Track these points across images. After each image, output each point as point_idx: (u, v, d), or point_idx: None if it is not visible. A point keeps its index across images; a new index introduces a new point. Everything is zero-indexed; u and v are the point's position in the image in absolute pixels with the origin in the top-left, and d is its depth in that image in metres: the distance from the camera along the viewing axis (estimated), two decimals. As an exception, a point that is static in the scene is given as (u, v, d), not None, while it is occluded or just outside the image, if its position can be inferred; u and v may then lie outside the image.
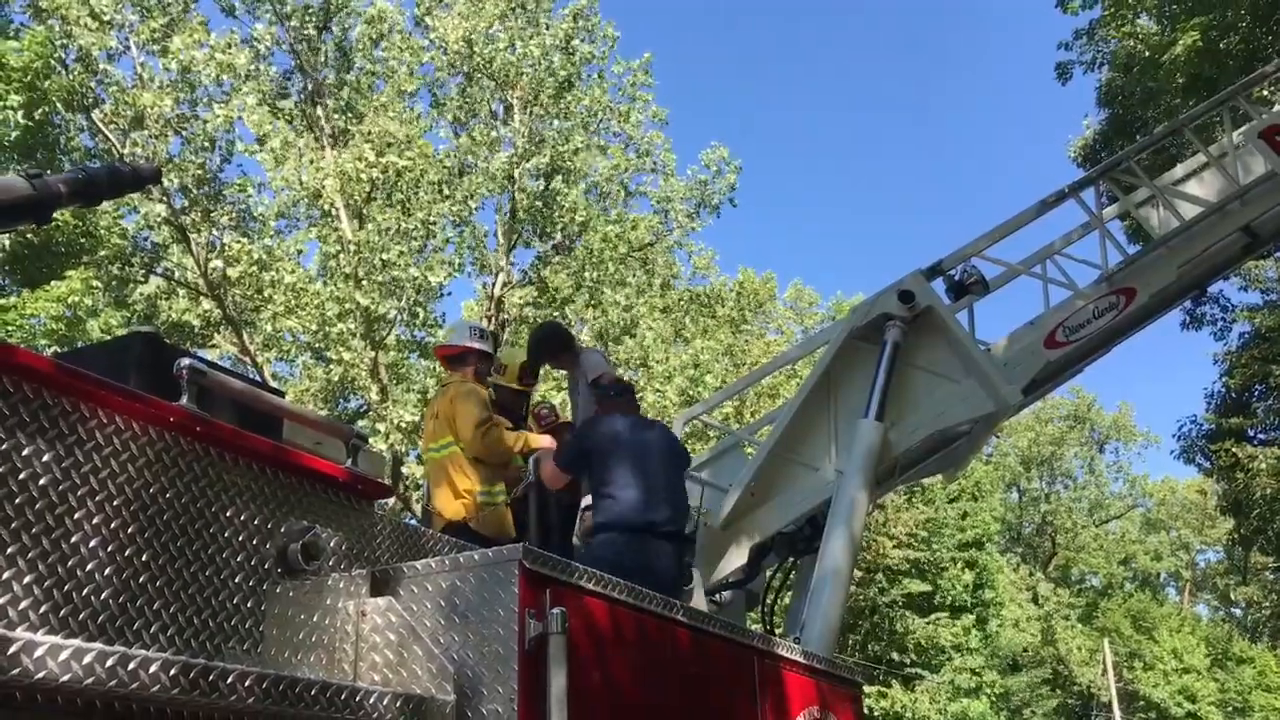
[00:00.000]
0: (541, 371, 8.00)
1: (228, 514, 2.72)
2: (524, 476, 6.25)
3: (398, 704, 2.74)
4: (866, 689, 29.08)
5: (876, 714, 30.59)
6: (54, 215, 3.04)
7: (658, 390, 21.87)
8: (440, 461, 6.28)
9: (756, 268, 36.57)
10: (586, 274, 21.47)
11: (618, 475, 5.41)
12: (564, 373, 8.13)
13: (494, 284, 21.71)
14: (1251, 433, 18.03)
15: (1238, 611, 50.61)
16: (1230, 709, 42.32)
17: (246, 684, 2.32)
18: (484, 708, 2.91)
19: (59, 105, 17.54)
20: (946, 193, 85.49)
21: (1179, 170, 8.21)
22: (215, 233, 19.16)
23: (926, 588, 32.75)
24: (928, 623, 32.57)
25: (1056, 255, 7.77)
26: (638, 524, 5.31)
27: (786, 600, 8.33)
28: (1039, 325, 7.51)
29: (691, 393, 23.56)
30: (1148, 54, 16.66)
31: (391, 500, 19.42)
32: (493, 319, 20.61)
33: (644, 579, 3.74)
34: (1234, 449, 17.17)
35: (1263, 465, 16.70)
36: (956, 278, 7.51)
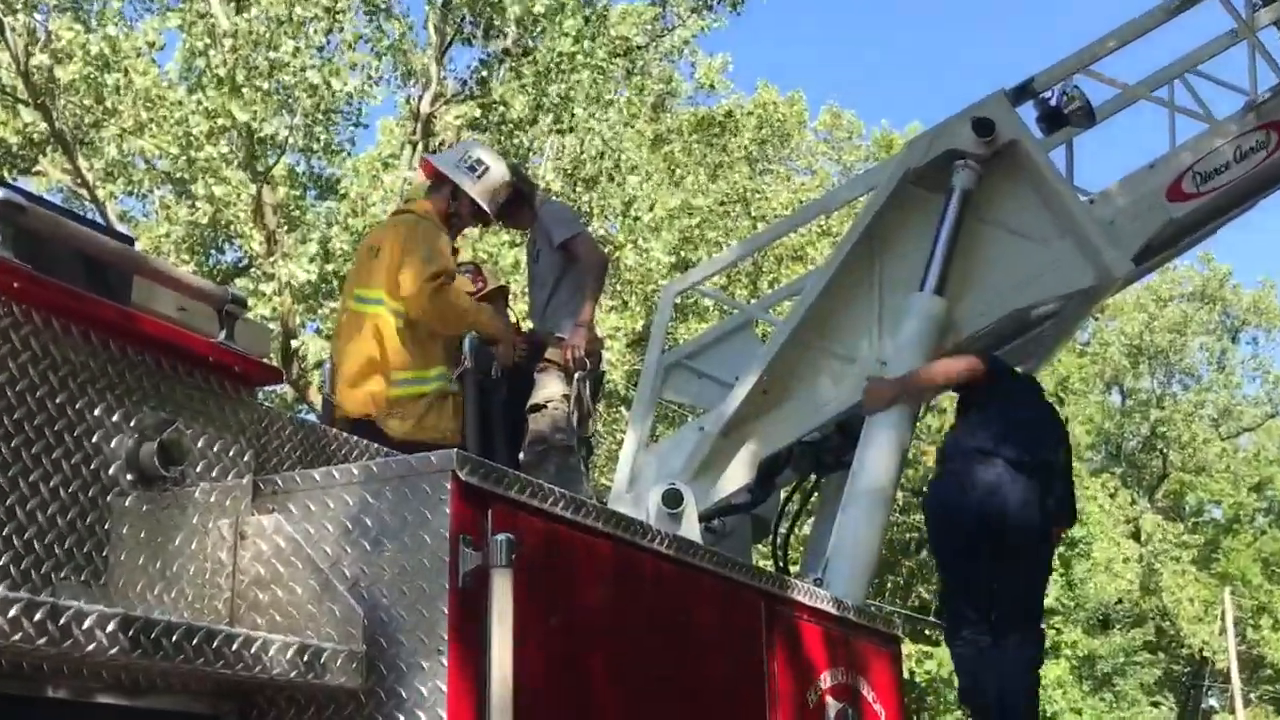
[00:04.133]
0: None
1: (57, 403, 2.72)
2: (460, 361, 6.27)
3: (288, 655, 2.79)
4: (907, 646, 29.87)
5: (918, 678, 31.47)
6: None
7: (640, 249, 21.84)
8: (361, 320, 6.25)
9: (781, 85, 36.10)
10: (550, 87, 21.17)
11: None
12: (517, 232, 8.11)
13: (421, 97, 21.41)
14: None
15: (1400, 556, 51.83)
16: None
17: (85, 625, 2.35)
18: (403, 662, 2.97)
19: None
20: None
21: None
22: (38, 17, 18.73)
23: (992, 517, 33.19)
24: (992, 563, 33.14)
25: (1188, 75, 7.71)
26: (999, 454, 6.36)
27: (805, 530, 8.47)
28: (1160, 169, 7.50)
29: (686, 253, 23.56)
30: None
31: (281, 386, 19.53)
32: (418, 145, 20.41)
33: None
34: None
35: None
36: (1052, 103, 7.45)
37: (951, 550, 6.57)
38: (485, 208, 6.64)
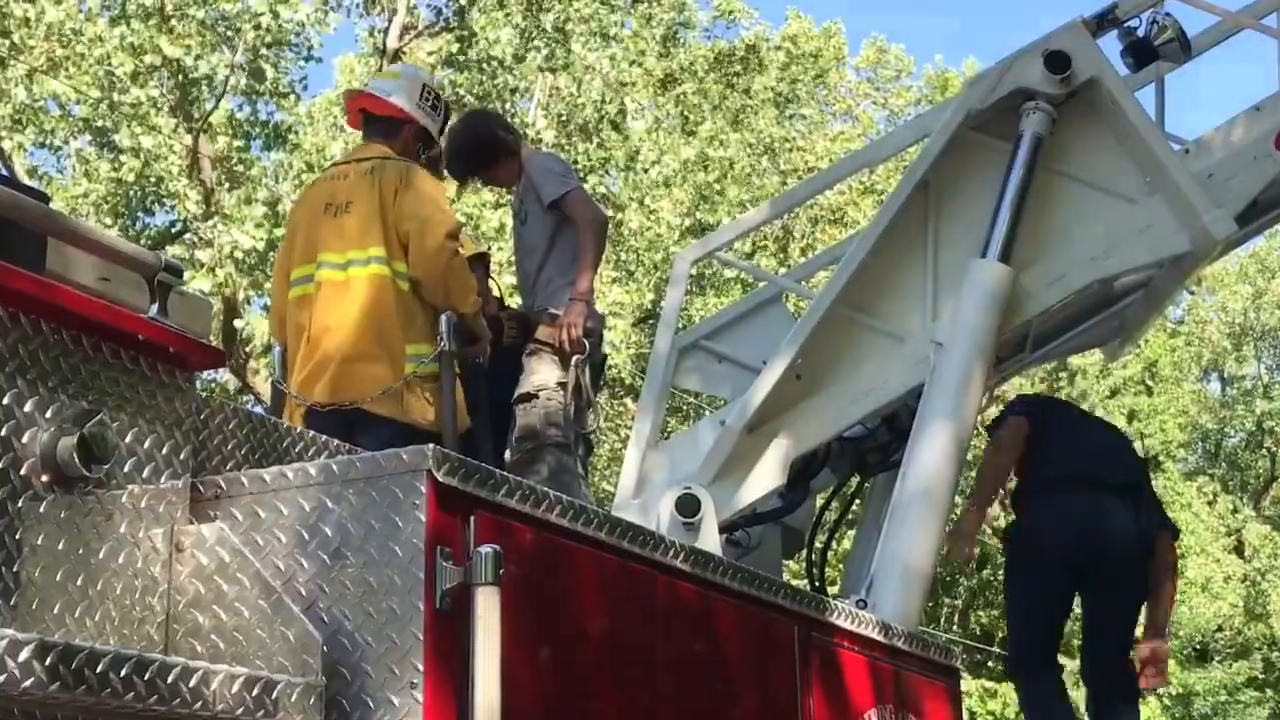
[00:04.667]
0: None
1: (-40, 389, 2.72)
2: (438, 343, 6.28)
3: (233, 689, 2.79)
4: (967, 681, 29.86)
5: (980, 718, 31.50)
6: None
7: (647, 210, 21.82)
8: (346, 287, 6.21)
9: (815, 15, 35.90)
10: (541, 16, 21.15)
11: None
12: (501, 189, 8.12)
13: (387, 29, 21.40)
14: None
15: None
16: None
17: (-5, 653, 2.36)
18: (369, 697, 2.98)
19: None
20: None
21: None
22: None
23: (1069, 527, 33.24)
24: (1068, 583, 33.17)
25: (1303, -1, 7.69)
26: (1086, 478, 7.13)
27: (846, 543, 8.48)
28: (1268, 113, 7.47)
29: (702, 214, 23.52)
30: None
31: (222, 373, 19.54)
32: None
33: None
34: None
35: None
36: (1139, 33, 7.44)
37: (1043, 587, 7.20)
38: (436, 140, 6.70)
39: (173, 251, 19.01)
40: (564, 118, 22.04)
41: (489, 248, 7.98)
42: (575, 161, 20.70)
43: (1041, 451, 7.35)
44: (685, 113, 26.74)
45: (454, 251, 6.16)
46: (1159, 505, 7.68)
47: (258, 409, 17.66)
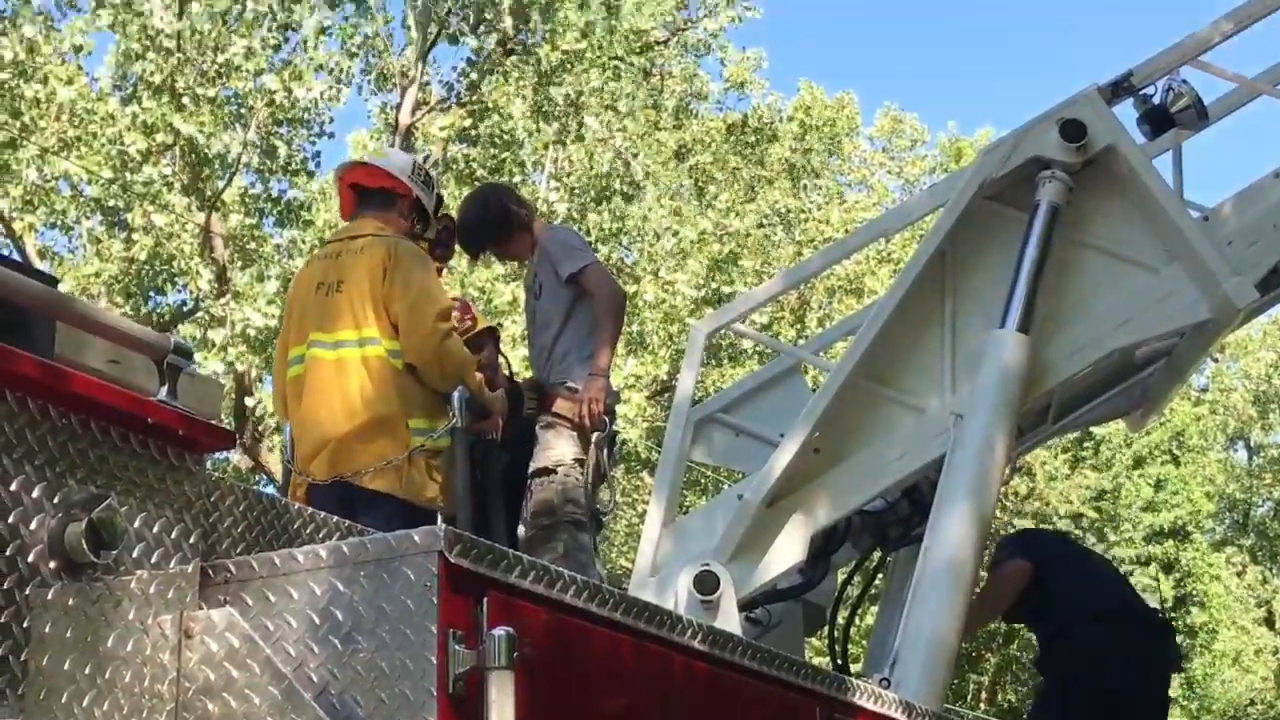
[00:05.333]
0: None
1: (-34, 475, 2.72)
2: (448, 418, 6.28)
3: (244, 778, 2.78)
4: (995, 760, 29.56)
5: (1010, 799, 31.19)
6: None
7: (664, 284, 21.86)
8: (341, 367, 6.25)
9: (827, 86, 35.97)
10: (553, 89, 21.30)
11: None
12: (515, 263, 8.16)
13: (400, 104, 21.56)
14: None
15: None
16: None
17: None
18: (382, 785, 2.95)
19: None
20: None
21: None
22: (-58, 16, 18.95)
23: (1096, 601, 33.06)
24: (1096, 657, 32.95)
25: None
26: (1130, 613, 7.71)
27: (869, 620, 8.42)
28: (1289, 178, 7.49)
29: (718, 283, 23.55)
30: None
31: (233, 453, 19.53)
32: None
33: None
34: None
35: None
36: (1155, 100, 7.46)
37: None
38: (431, 216, 6.79)
39: (184, 330, 19.08)
40: (575, 189, 22.14)
41: (500, 323, 8.00)
42: (587, 232, 20.80)
43: (1068, 585, 7.80)
44: (699, 183, 26.87)
45: (446, 333, 6.19)
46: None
47: (270, 488, 17.64)
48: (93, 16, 19.21)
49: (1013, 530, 30.54)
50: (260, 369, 18.74)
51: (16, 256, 18.68)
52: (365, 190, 6.66)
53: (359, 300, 6.22)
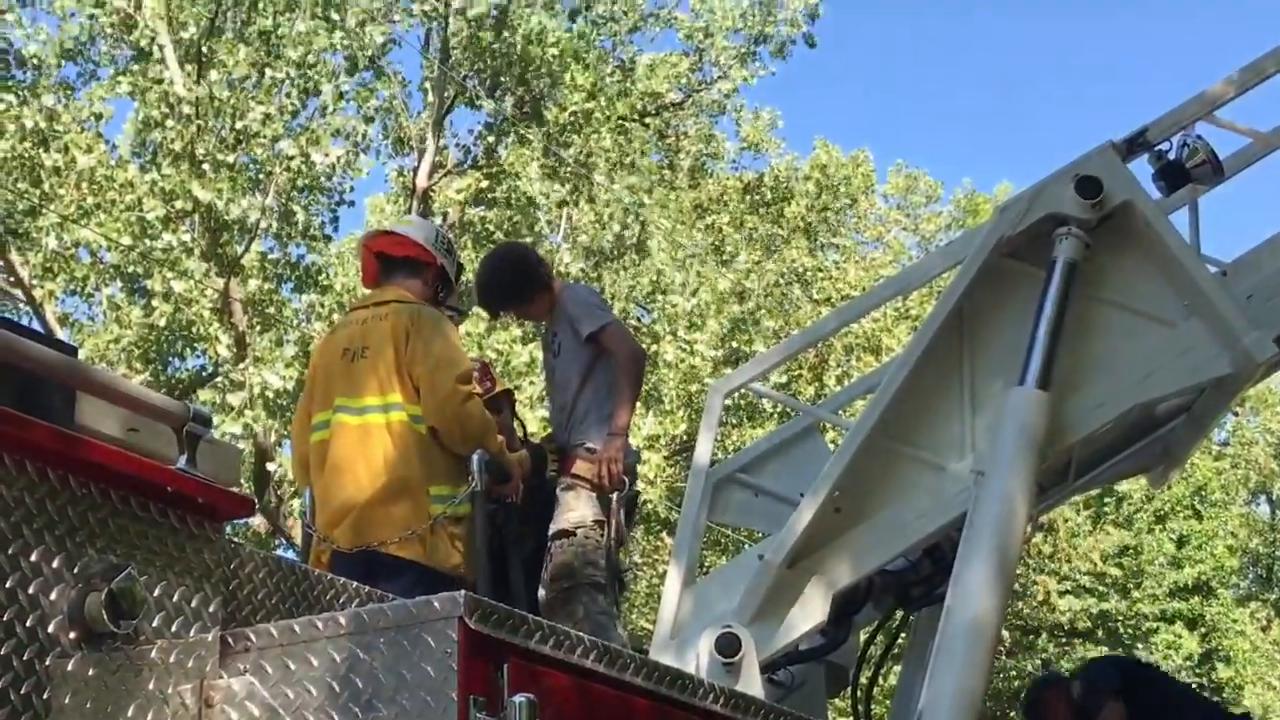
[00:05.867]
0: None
1: (-13, 545, 2.72)
2: (469, 483, 6.29)
3: None
4: (1022, 820, 29.28)
5: None
6: None
7: (681, 343, 21.87)
8: (366, 433, 6.28)
9: (842, 145, 35.95)
10: (568, 151, 21.41)
11: None
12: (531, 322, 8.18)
13: (417, 169, 21.68)
14: None
15: None
16: None
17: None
18: None
19: None
20: (1157, 42, 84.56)
21: None
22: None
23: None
24: (1122, 715, 32.77)
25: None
26: None
27: (892, 680, 8.38)
28: (1307, 232, 7.49)
29: (737, 343, 23.57)
30: None
31: (254, 519, 19.52)
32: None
33: None
34: None
35: None
36: (1170, 156, 7.46)
37: None
38: (454, 283, 6.81)
39: (203, 396, 19.11)
40: (589, 248, 22.18)
41: (518, 384, 8.03)
42: (603, 290, 20.84)
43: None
44: (717, 243, 26.94)
45: (466, 396, 6.22)
46: None
47: (289, 553, 17.58)
48: (112, 83, 19.39)
49: (1035, 587, 30.48)
50: (280, 433, 18.76)
51: (36, 324, 18.79)
52: (390, 258, 6.71)
53: (383, 366, 6.27)
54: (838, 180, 31.36)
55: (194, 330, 18.98)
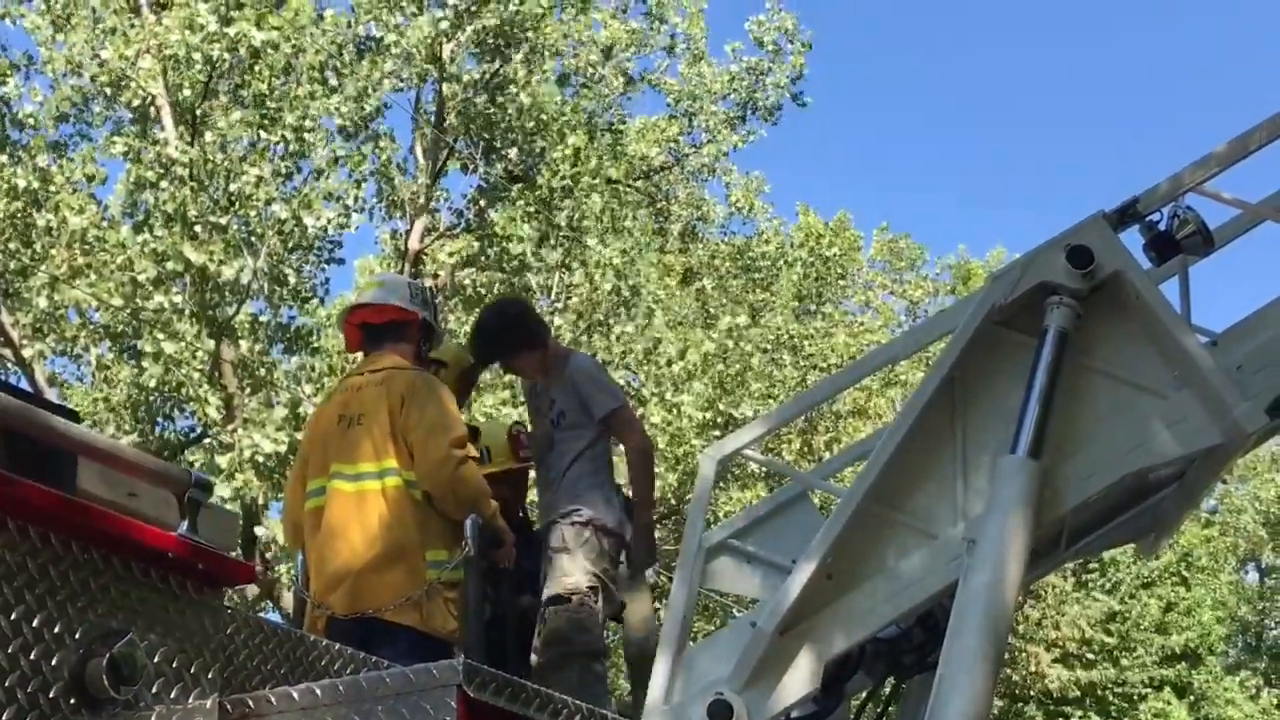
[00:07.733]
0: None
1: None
2: (462, 547, 6.29)
3: None
4: None
5: None
6: None
7: (668, 405, 21.86)
8: (362, 499, 6.29)
9: (820, 208, 35.66)
10: (558, 215, 21.48)
11: None
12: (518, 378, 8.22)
13: (410, 231, 21.73)
14: None
15: None
16: None
17: None
18: None
19: None
20: (1144, 96, 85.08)
21: None
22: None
23: (1109, 726, 32.82)
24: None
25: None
26: None
27: (883, 748, 8.37)
28: (1296, 303, 7.52)
29: (725, 406, 23.56)
30: None
31: (250, 586, 19.42)
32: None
33: None
34: None
35: None
36: (1161, 227, 7.49)
37: None
38: (437, 329, 6.95)
39: (192, 457, 19.05)
40: (580, 313, 22.21)
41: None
42: (595, 353, 20.83)
43: None
44: (705, 306, 27.00)
45: (461, 460, 6.25)
46: None
47: (275, 615, 17.46)
48: (107, 144, 19.43)
49: (1023, 656, 30.36)
50: (268, 495, 18.69)
51: (25, 383, 18.74)
52: (374, 326, 6.75)
53: (379, 432, 6.30)
54: (832, 253, 31.36)
55: (183, 391, 18.95)
